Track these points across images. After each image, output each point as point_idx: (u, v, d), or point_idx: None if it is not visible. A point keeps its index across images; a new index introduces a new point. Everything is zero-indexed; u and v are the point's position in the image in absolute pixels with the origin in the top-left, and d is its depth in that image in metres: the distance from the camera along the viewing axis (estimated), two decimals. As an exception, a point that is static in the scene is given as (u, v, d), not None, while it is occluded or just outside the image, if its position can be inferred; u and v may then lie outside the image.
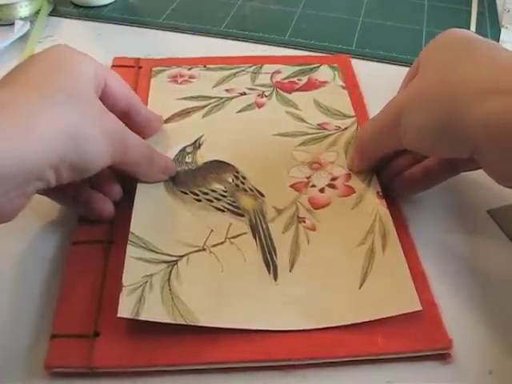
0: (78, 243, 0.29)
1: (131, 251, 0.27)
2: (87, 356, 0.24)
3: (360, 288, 0.27)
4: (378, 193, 0.31)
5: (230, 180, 0.32)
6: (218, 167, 0.33)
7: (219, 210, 0.31)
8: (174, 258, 0.28)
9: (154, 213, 0.30)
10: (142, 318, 0.25)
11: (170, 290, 0.26)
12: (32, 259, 0.29)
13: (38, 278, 0.28)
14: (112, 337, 0.25)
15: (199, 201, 0.31)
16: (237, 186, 0.32)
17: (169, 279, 0.27)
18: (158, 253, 0.28)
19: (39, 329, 0.26)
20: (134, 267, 0.27)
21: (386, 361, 0.25)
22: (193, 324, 0.25)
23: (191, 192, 0.31)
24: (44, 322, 0.26)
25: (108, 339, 0.25)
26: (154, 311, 0.25)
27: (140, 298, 0.25)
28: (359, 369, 0.25)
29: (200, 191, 0.31)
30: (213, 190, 0.31)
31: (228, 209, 0.31)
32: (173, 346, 0.25)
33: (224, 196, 0.31)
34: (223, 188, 0.32)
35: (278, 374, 0.25)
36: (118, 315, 0.25)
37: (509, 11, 0.53)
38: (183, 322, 0.25)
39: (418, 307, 0.26)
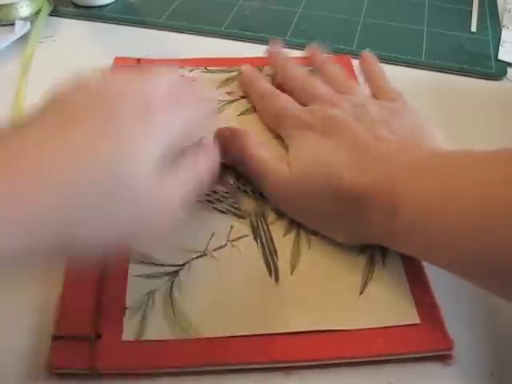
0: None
1: (133, 269, 0.27)
2: (90, 357, 0.24)
3: (360, 295, 0.27)
4: None
5: (232, 182, 0.32)
6: (219, 169, 0.33)
7: (221, 211, 0.31)
8: (176, 268, 0.28)
9: None
10: (145, 338, 0.25)
11: (172, 303, 0.26)
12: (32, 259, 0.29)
13: (38, 278, 0.28)
14: (114, 338, 0.25)
15: (201, 202, 0.31)
16: (238, 188, 0.32)
17: (170, 292, 0.27)
18: (159, 265, 0.28)
19: (39, 329, 0.26)
20: (136, 286, 0.27)
21: (386, 361, 0.25)
22: (194, 337, 0.25)
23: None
24: (44, 323, 0.26)
25: (110, 341, 0.25)
26: (157, 330, 0.25)
27: (143, 317, 0.26)
28: (360, 369, 0.25)
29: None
30: (214, 192, 0.31)
31: (229, 211, 0.31)
32: (175, 347, 0.25)
33: (225, 197, 0.31)
34: (225, 189, 0.32)
35: (279, 375, 0.25)
36: (123, 339, 0.25)
37: (510, 11, 0.53)
38: (185, 337, 0.25)
39: (417, 320, 0.26)
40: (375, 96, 0.34)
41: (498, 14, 0.53)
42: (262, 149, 0.31)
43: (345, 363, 0.25)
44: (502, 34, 0.49)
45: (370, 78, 0.35)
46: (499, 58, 0.46)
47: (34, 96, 0.39)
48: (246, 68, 0.39)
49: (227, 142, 0.32)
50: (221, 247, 0.29)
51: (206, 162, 0.27)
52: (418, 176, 0.26)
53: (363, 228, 0.27)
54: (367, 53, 0.38)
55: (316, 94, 0.33)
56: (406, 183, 0.26)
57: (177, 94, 0.26)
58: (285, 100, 0.34)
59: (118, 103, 0.23)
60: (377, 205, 0.26)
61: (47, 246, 0.21)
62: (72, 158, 0.21)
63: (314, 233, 0.30)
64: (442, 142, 0.29)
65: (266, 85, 0.37)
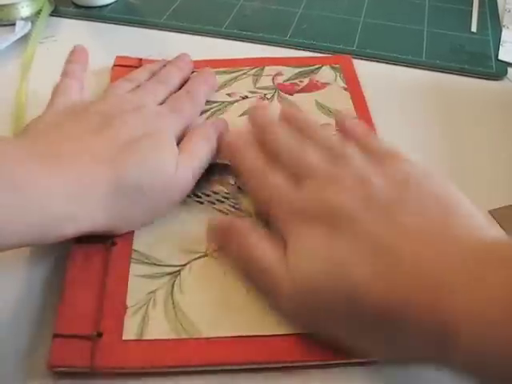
0: (79, 243, 0.29)
1: (134, 269, 0.28)
2: (90, 356, 0.24)
3: None
4: None
5: (233, 182, 0.32)
6: (220, 169, 0.33)
7: (222, 212, 0.31)
8: (177, 268, 0.28)
9: (156, 222, 0.30)
10: (146, 338, 0.25)
11: (173, 303, 0.26)
12: (32, 259, 0.29)
13: (38, 278, 0.28)
14: (115, 337, 0.25)
15: (201, 203, 0.31)
16: (239, 187, 0.32)
17: (172, 292, 0.27)
18: (161, 265, 0.28)
19: (40, 328, 0.26)
20: (138, 286, 0.27)
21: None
22: (195, 337, 0.25)
23: (194, 194, 0.31)
24: (45, 322, 0.26)
25: (111, 340, 0.25)
26: (158, 329, 0.25)
27: (144, 316, 0.26)
28: (360, 370, 0.25)
29: (202, 193, 0.31)
30: (215, 192, 0.32)
31: (230, 211, 0.31)
32: (176, 346, 0.25)
33: (226, 198, 0.31)
34: (225, 190, 0.32)
35: (279, 375, 0.25)
36: (123, 338, 0.25)
37: (510, 11, 0.53)
38: (186, 336, 0.25)
39: None
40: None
41: (498, 14, 0.53)
42: (259, 245, 0.26)
43: (345, 363, 0.25)
44: (503, 34, 0.49)
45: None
46: (499, 58, 0.46)
47: (34, 96, 0.39)
48: (231, 138, 0.32)
49: (225, 237, 0.28)
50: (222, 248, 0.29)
51: (205, 142, 0.31)
52: (474, 283, 0.19)
53: (402, 351, 0.22)
54: (342, 115, 0.32)
55: (307, 166, 0.27)
56: (457, 291, 0.19)
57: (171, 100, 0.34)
58: (277, 179, 0.28)
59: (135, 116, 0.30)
60: (417, 325, 0.20)
61: (103, 220, 0.27)
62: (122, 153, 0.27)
63: None
64: (476, 214, 0.23)
65: (254, 160, 0.29)
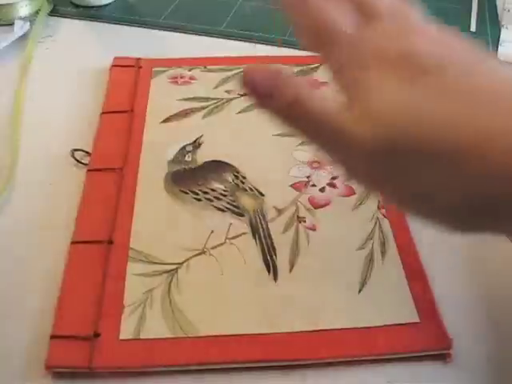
0: (77, 243, 0.29)
1: (131, 268, 0.28)
2: (88, 356, 0.24)
3: (359, 293, 0.27)
4: (378, 200, 0.31)
5: (230, 179, 0.32)
6: (218, 167, 0.33)
7: (219, 209, 0.31)
8: (174, 267, 0.28)
9: (153, 220, 0.30)
10: (143, 337, 0.25)
11: (170, 301, 0.26)
12: (32, 259, 0.29)
13: (37, 278, 0.28)
14: (112, 337, 0.25)
15: (199, 200, 0.31)
16: (237, 185, 0.32)
17: (169, 290, 0.27)
18: (158, 263, 0.28)
19: (39, 329, 0.26)
20: (135, 285, 0.27)
21: (386, 361, 0.25)
22: (192, 336, 0.25)
23: (191, 191, 0.31)
24: (44, 322, 0.26)
25: (108, 340, 0.25)
26: (155, 328, 0.25)
27: (141, 316, 0.26)
28: (359, 369, 0.25)
29: (200, 190, 0.31)
30: (213, 190, 0.32)
31: (228, 208, 0.31)
32: (174, 346, 0.25)
33: (224, 195, 0.31)
34: (223, 187, 0.32)
35: (278, 374, 0.25)
36: (120, 338, 0.25)
37: (509, 11, 0.53)
38: (183, 335, 0.25)
39: (416, 319, 0.26)
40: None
41: (497, 14, 0.53)
42: (326, 100, 0.20)
43: (344, 362, 0.25)
44: (502, 33, 0.49)
45: None
46: (499, 57, 0.46)
47: (33, 96, 0.39)
48: None
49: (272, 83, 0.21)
50: (219, 245, 0.29)
51: None
52: None
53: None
54: None
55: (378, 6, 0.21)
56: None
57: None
58: (338, 14, 0.21)
59: None
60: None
61: None
62: None
63: (313, 228, 0.30)
64: None
65: None
